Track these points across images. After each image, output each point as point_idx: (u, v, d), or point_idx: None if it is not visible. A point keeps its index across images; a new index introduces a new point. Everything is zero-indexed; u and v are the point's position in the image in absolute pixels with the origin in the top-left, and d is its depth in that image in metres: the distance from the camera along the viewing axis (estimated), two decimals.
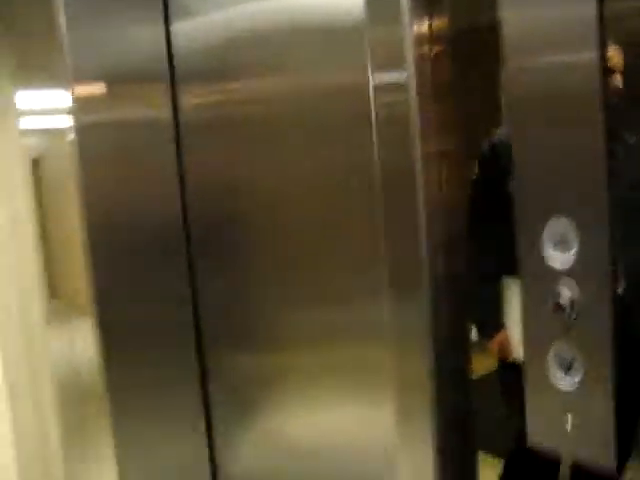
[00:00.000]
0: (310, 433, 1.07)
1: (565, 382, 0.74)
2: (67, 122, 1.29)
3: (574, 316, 0.72)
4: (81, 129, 1.26)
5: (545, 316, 0.73)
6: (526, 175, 0.73)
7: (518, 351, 1.56)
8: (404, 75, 0.76)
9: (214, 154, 1.11)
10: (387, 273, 0.84)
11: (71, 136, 1.28)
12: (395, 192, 0.82)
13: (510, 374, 1.60)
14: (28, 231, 2.92)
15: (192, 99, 1.13)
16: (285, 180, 1.01)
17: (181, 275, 1.17)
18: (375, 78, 0.79)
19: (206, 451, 1.21)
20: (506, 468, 1.80)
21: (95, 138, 1.26)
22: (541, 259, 0.72)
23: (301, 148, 0.98)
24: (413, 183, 0.79)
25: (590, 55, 0.67)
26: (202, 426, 1.21)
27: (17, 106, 2.79)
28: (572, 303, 0.72)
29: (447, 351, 0.84)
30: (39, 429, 2.94)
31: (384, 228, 0.83)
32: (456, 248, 0.84)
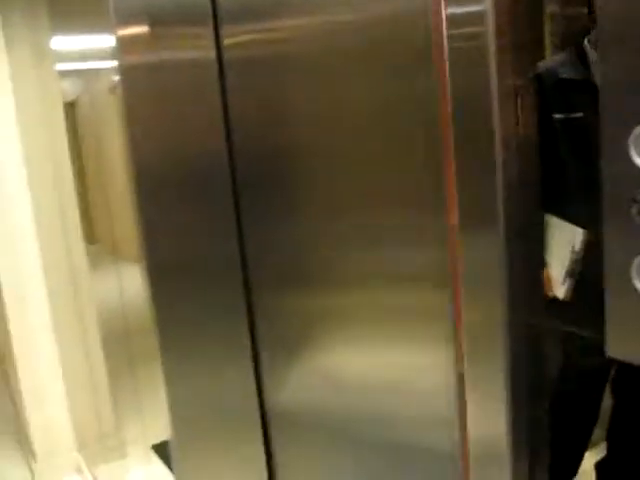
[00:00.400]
0: (359, 371, 1.08)
1: None
2: (105, 65, 1.30)
3: None
4: (125, 71, 1.27)
5: (629, 222, 0.72)
6: (615, 83, 0.72)
7: (558, 288, 1.57)
8: (481, 6, 0.74)
9: (259, 92, 1.11)
10: (459, 212, 0.82)
11: (111, 78, 1.28)
12: (470, 126, 0.80)
13: (552, 309, 1.62)
14: (68, 175, 2.97)
15: (236, 38, 1.13)
16: (335, 116, 1.00)
17: (227, 212, 1.18)
18: (449, 8, 0.78)
19: (254, 386, 1.24)
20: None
21: (139, 79, 1.26)
22: (628, 164, 0.71)
23: (349, 83, 0.96)
24: (490, 117, 0.77)
25: None
26: (249, 361, 1.24)
27: (54, 50, 2.80)
28: None
29: (520, 292, 0.83)
30: (87, 363, 3.05)
31: (455, 165, 0.82)
32: (529, 183, 0.83)
